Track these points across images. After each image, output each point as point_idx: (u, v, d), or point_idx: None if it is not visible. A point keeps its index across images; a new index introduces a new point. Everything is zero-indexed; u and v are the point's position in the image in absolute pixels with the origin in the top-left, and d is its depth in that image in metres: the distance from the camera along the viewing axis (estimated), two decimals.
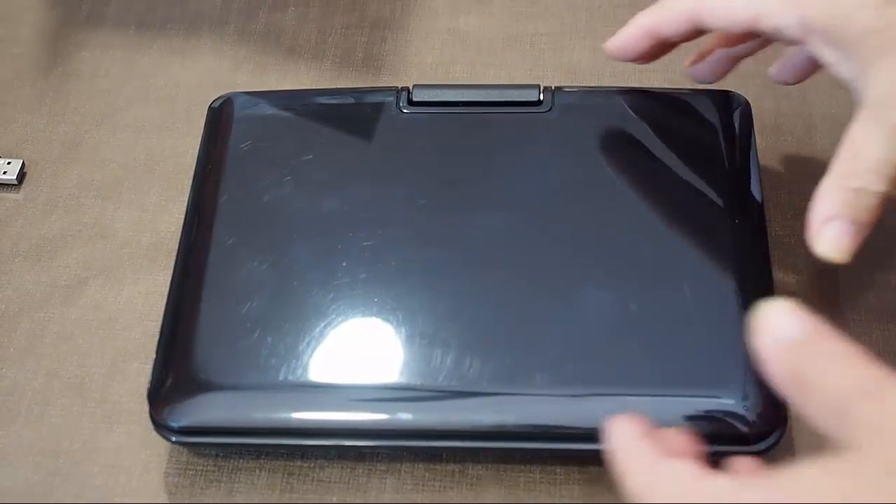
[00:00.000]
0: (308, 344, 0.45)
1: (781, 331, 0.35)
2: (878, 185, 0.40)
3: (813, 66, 0.49)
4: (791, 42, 0.44)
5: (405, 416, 0.44)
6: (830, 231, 0.41)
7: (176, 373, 0.45)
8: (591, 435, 0.42)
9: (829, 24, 0.42)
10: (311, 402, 0.45)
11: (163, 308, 0.48)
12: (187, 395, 0.45)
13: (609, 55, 0.49)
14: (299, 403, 0.45)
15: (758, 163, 0.49)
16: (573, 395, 0.44)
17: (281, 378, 0.45)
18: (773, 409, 0.42)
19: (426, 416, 0.44)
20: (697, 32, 0.46)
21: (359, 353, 0.45)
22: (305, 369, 0.45)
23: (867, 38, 0.41)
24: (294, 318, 0.46)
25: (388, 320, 0.46)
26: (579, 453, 0.45)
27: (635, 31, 0.47)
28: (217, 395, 0.45)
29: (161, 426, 0.45)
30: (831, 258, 0.41)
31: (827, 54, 0.43)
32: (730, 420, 0.42)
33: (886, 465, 0.32)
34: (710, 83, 0.51)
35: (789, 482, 0.32)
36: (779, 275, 0.50)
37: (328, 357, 0.45)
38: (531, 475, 0.46)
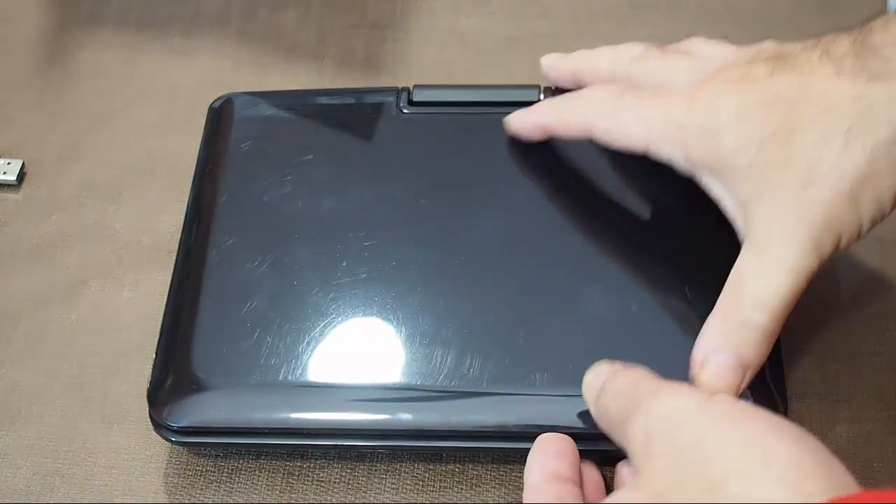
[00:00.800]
0: (308, 344, 0.45)
1: (592, 385, 0.41)
2: (760, 320, 0.40)
3: None
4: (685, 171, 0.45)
5: (405, 416, 0.44)
6: (712, 365, 0.40)
7: (176, 373, 0.45)
8: (591, 435, 0.42)
9: (712, 163, 0.42)
10: (310, 402, 0.45)
11: (163, 308, 0.48)
12: (187, 396, 0.45)
13: (507, 130, 0.50)
14: (299, 403, 0.45)
15: None
16: (573, 395, 0.44)
17: (281, 378, 0.45)
18: (771, 408, 0.42)
19: (426, 416, 0.44)
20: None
21: (359, 353, 0.45)
22: (305, 369, 0.45)
23: (748, 176, 0.41)
24: (294, 318, 0.46)
25: (388, 320, 0.46)
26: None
27: (532, 127, 0.49)
28: (217, 395, 0.45)
29: (161, 426, 0.45)
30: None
31: (713, 188, 0.43)
32: None
33: (655, 489, 0.34)
34: None
35: None
36: None
37: (328, 357, 0.45)
38: None
